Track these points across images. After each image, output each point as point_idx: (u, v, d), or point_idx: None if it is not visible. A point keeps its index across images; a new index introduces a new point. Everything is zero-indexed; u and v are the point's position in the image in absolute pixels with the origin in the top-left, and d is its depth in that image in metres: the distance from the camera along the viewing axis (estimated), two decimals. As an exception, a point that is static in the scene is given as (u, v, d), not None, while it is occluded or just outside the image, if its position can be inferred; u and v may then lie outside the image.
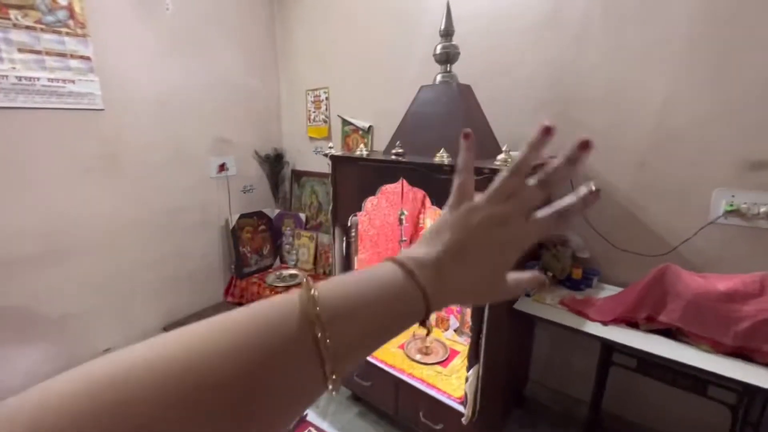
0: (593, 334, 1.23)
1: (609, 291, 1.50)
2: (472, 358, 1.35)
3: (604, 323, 1.27)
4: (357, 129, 2.36)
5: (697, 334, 1.13)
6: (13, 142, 1.65)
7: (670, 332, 1.20)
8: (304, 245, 2.72)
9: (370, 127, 2.29)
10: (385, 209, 1.88)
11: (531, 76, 1.66)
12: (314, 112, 2.60)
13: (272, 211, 2.86)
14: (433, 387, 1.53)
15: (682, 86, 1.33)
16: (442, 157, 1.25)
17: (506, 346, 1.49)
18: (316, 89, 2.55)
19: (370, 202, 1.57)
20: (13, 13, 1.59)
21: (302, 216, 2.76)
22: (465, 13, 1.79)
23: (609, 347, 1.31)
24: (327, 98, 2.50)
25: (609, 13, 1.44)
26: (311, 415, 1.79)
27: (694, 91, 1.32)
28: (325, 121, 2.55)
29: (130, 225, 2.07)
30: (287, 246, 2.83)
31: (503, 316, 1.40)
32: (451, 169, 1.23)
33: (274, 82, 2.75)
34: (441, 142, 1.40)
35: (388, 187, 1.69)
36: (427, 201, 1.86)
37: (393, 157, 1.39)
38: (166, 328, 2.29)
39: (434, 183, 1.31)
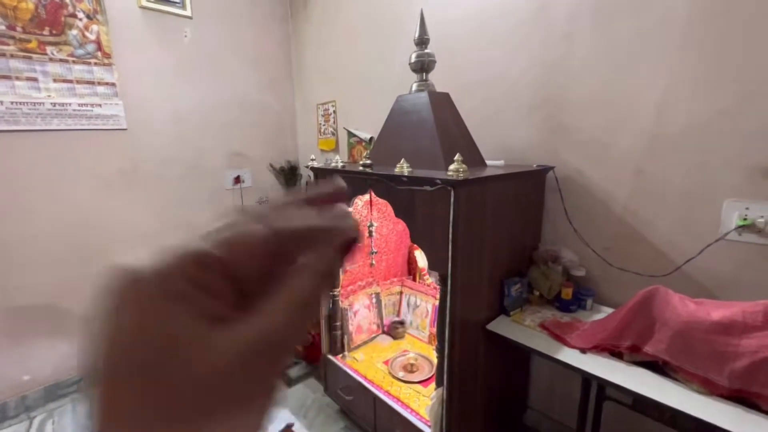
0: (568, 364, 1.10)
1: (605, 314, 1.33)
2: (438, 380, 1.27)
3: (583, 351, 1.13)
4: (360, 140, 2.37)
5: (686, 370, 0.97)
6: (50, 158, 1.89)
7: (658, 365, 1.04)
8: (316, 255, 2.77)
9: (371, 138, 2.30)
10: (379, 221, 1.86)
11: (519, 80, 1.56)
12: (324, 125, 2.67)
13: (288, 222, 2.96)
14: (407, 407, 1.46)
15: (681, 82, 1.17)
16: (402, 167, 1.21)
17: (485, 369, 1.39)
18: (325, 103, 2.62)
19: (347, 214, 1.56)
20: (49, 49, 1.84)
21: (314, 226, 2.82)
22: (449, 19, 1.74)
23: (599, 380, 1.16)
24: (334, 111, 2.55)
25: (599, 4, 1.31)
26: (297, 425, 1.80)
27: (695, 87, 1.15)
28: (333, 134, 2.60)
29: (149, 233, 2.26)
30: (300, 255, 2.91)
31: (477, 336, 1.31)
32: (408, 180, 1.19)
33: (290, 98, 2.88)
34: (412, 151, 1.37)
35: (377, 200, 1.67)
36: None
37: (360, 168, 1.37)
38: (183, 330, 2.45)
39: (397, 194, 1.27)
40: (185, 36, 2.28)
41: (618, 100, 1.31)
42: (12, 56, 1.74)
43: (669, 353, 0.99)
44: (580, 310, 1.38)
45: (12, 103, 1.76)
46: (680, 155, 1.20)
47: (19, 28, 1.75)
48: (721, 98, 1.11)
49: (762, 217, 1.07)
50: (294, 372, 2.22)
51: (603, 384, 1.08)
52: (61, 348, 2.01)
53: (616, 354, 1.10)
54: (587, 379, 1.15)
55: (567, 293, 1.38)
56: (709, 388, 0.94)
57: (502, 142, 1.65)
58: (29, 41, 1.78)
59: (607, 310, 1.36)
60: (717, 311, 0.95)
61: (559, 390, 1.64)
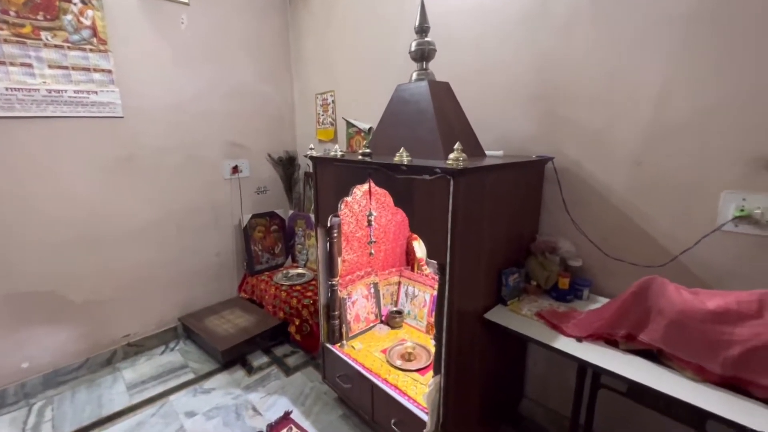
0: (564, 351, 1.11)
1: (602, 303, 1.34)
2: (436, 367, 1.28)
3: (579, 339, 1.15)
4: (359, 131, 2.36)
5: (680, 358, 0.98)
6: (46, 145, 1.87)
7: (652, 353, 1.05)
8: (314, 245, 2.77)
9: (370, 128, 2.28)
10: (378, 210, 1.86)
11: (519, 71, 1.55)
12: (322, 115, 2.65)
13: (286, 212, 2.96)
14: (405, 395, 1.48)
15: (682, 73, 1.16)
16: (401, 156, 1.21)
17: (482, 357, 1.40)
18: (323, 93, 2.60)
19: (346, 203, 1.56)
20: (44, 35, 1.81)
21: (313, 217, 2.81)
22: (450, 9, 1.72)
23: (595, 368, 1.17)
24: (333, 101, 2.54)
25: (599, -4, 1.30)
26: (295, 412, 1.82)
27: (696, 79, 1.14)
28: (332, 124, 2.58)
29: (148, 222, 2.26)
30: (298, 246, 2.91)
31: (475, 325, 1.32)
32: (408, 168, 1.19)
33: (288, 88, 2.85)
34: (411, 140, 1.36)
35: (376, 189, 1.67)
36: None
37: (360, 157, 1.37)
38: (181, 319, 2.45)
39: (396, 183, 1.26)
40: (182, 23, 2.25)
41: (618, 93, 1.30)
42: (6, 41, 1.71)
43: (664, 341, 1.00)
44: (576, 300, 1.40)
45: (6, 89, 1.73)
46: (679, 147, 1.20)
47: (12, 12, 1.72)
48: (721, 92, 1.11)
49: (759, 208, 1.08)
50: (292, 361, 2.24)
51: (598, 371, 1.10)
52: (59, 335, 2.02)
53: (611, 342, 1.12)
54: (583, 366, 1.17)
55: (564, 283, 1.39)
56: (703, 375, 0.95)
57: (501, 133, 1.64)
58: (23, 26, 1.75)
59: (603, 300, 1.38)
60: (712, 300, 0.96)
61: (555, 379, 1.66)
